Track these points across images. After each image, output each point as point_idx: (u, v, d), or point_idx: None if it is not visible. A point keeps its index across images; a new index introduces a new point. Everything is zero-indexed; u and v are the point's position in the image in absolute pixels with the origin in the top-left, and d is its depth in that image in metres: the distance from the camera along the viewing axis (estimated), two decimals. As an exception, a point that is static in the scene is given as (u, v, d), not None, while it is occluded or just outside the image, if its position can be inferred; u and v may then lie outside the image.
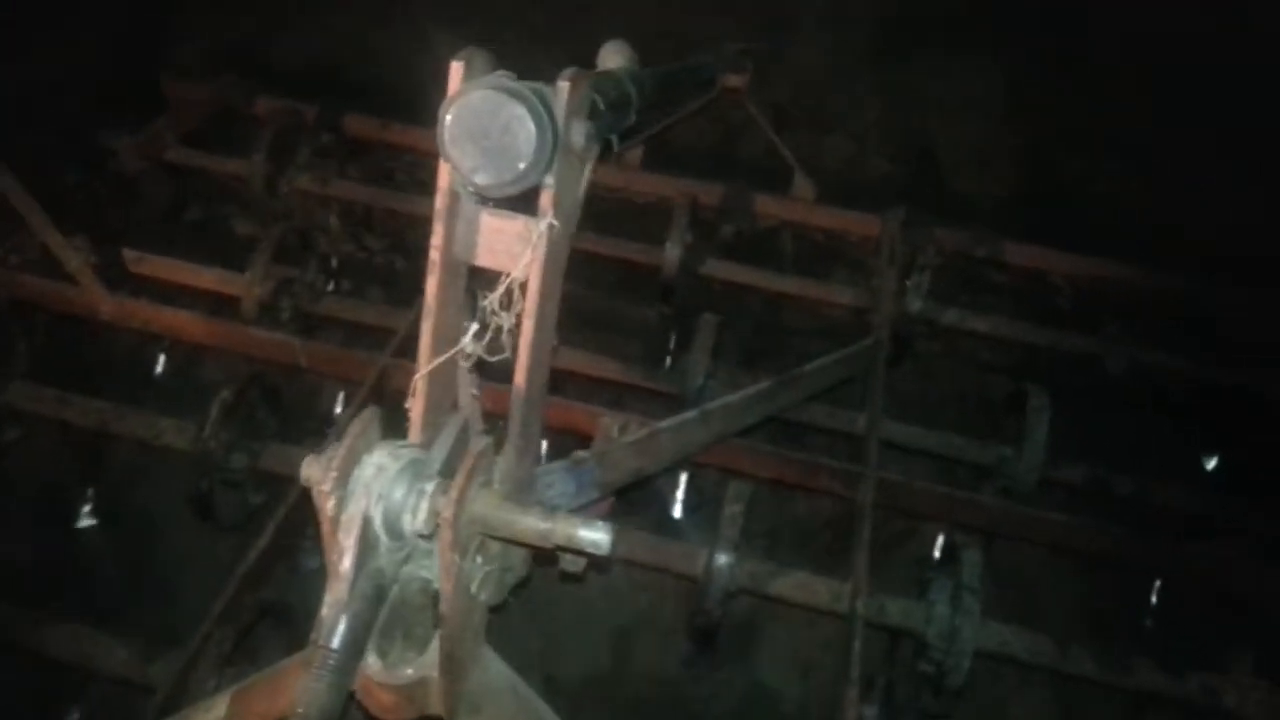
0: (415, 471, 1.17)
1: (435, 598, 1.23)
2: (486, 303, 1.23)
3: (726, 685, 2.37)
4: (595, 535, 1.13)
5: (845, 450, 2.58)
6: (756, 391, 2.17)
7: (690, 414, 1.95)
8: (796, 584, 2.29)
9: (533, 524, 1.15)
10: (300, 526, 2.16)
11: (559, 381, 2.54)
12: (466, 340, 1.24)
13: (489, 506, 1.15)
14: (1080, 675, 2.21)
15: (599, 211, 3.05)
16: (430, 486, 1.16)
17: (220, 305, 2.79)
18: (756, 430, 2.50)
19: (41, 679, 2.05)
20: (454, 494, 1.12)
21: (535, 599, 2.32)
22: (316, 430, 2.51)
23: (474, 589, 1.20)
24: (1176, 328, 2.98)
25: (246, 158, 3.08)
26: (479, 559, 1.19)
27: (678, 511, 2.73)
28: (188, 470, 2.30)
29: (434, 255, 1.23)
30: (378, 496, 1.12)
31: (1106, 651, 2.20)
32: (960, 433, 2.66)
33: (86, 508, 2.43)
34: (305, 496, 2.11)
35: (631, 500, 2.51)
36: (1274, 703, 2.14)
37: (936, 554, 2.52)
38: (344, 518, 1.11)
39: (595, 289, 3.08)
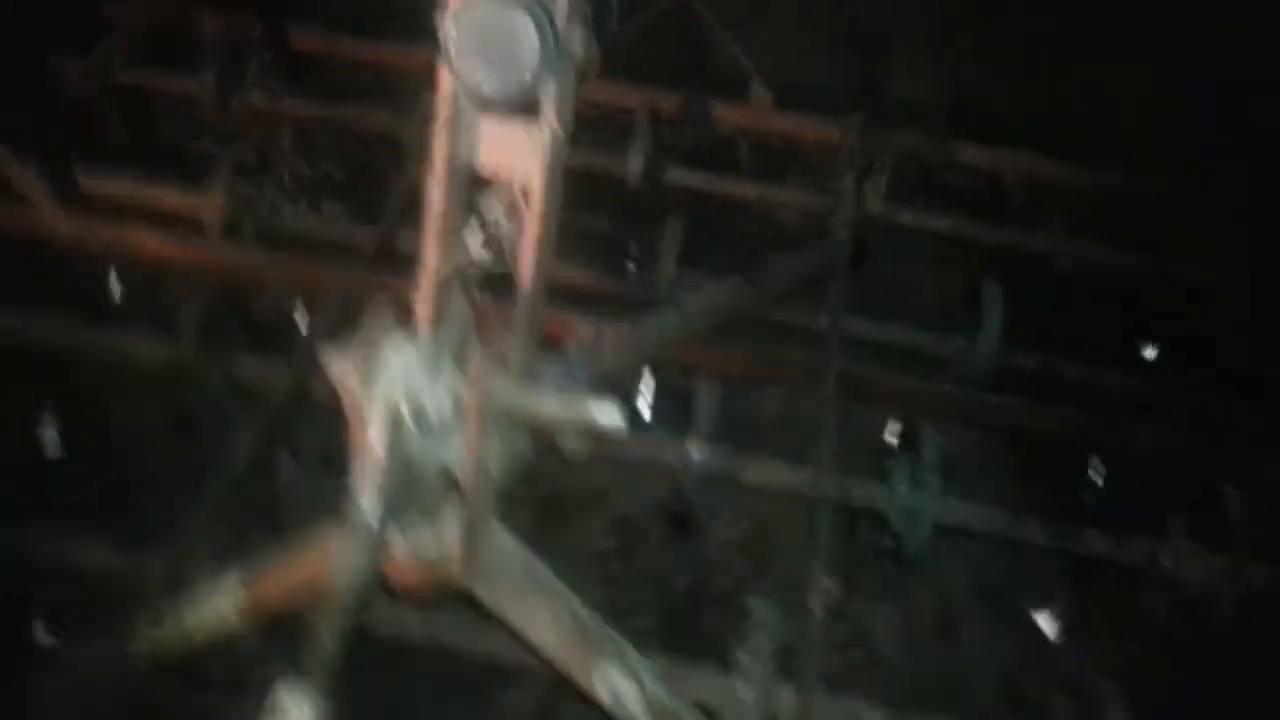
0: (434, 361, 1.29)
1: (452, 479, 1.37)
2: (488, 209, 1.35)
3: (693, 560, 2.55)
4: (608, 413, 1.27)
5: (810, 348, 2.73)
6: (726, 289, 2.32)
7: (665, 311, 2.09)
8: (765, 470, 2.49)
9: (549, 405, 1.28)
10: (280, 438, 2.27)
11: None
12: (472, 244, 1.36)
13: (507, 390, 1.28)
14: (1031, 543, 2.45)
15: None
16: (449, 373, 1.29)
17: (179, 226, 2.84)
18: (724, 329, 2.66)
19: (22, 581, 2.15)
20: (475, 378, 1.24)
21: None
22: (286, 347, 2.59)
23: (490, 468, 1.34)
24: (1122, 224, 3.18)
25: (195, 76, 3.10)
26: (496, 440, 1.33)
27: (647, 414, 2.87)
28: (160, 387, 2.41)
29: (437, 162, 1.33)
30: (403, 384, 1.25)
31: (1055, 522, 2.44)
32: (919, 327, 2.85)
33: (56, 431, 2.51)
34: (283, 408, 2.25)
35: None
36: (1206, 563, 2.39)
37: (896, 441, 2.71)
38: (373, 405, 1.24)
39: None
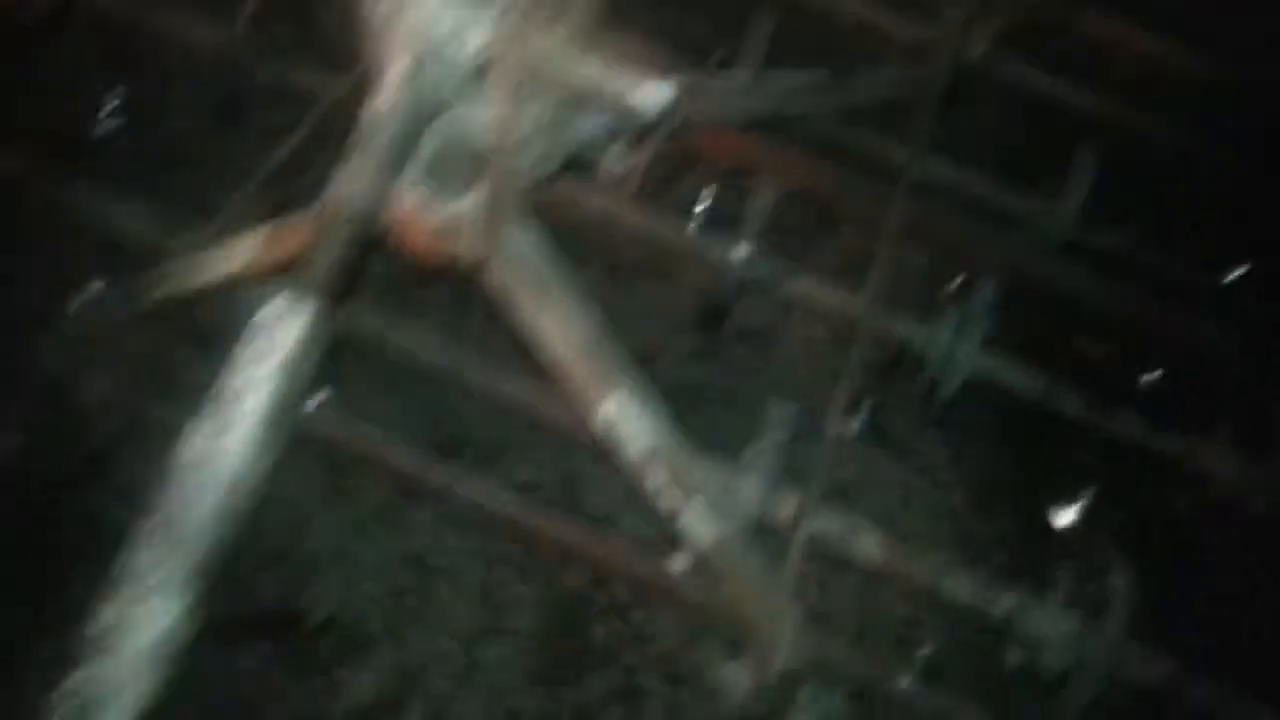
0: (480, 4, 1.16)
1: (477, 151, 1.25)
2: None
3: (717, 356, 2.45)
4: (657, 91, 1.13)
5: (883, 179, 2.57)
6: (803, 78, 2.15)
7: (738, 76, 1.94)
8: (810, 287, 2.37)
9: (591, 72, 1.15)
10: (325, 142, 2.16)
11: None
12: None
13: (550, 44, 1.15)
14: (1066, 415, 2.32)
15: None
16: (493, 13, 1.16)
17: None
18: (795, 137, 2.50)
19: (63, 248, 2.12)
20: (514, 20, 1.11)
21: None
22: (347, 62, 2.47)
23: (520, 138, 1.21)
24: (1236, 121, 2.94)
25: None
26: (529, 105, 1.20)
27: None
28: (216, 75, 2.31)
29: None
30: (436, 10, 1.12)
31: (1096, 398, 2.31)
32: (999, 180, 2.67)
33: (113, 105, 2.43)
34: (332, 112, 2.14)
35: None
36: (1246, 469, 2.26)
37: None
38: (400, 25, 1.11)
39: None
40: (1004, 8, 2.90)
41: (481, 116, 1.22)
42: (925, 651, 2.14)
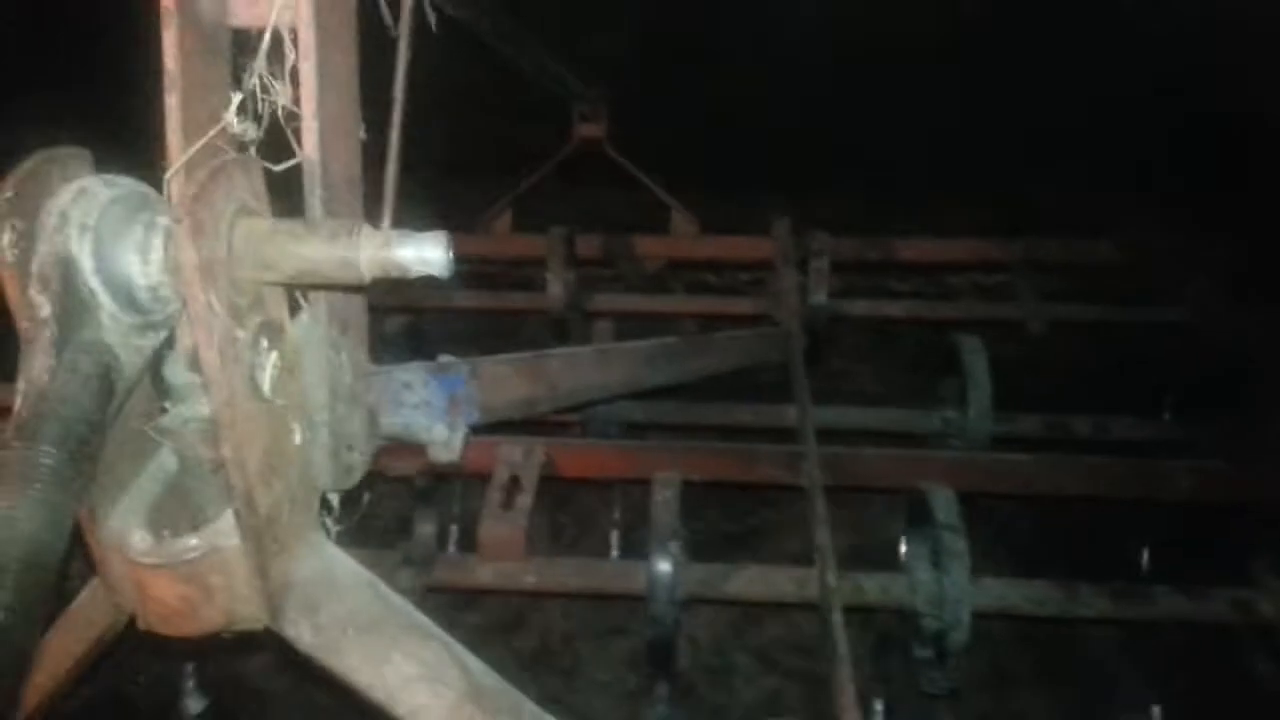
0: (141, 205, 0.78)
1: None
2: (250, 71, 0.91)
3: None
4: (430, 249, 0.75)
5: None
6: (660, 343, 1.82)
7: (585, 349, 1.60)
8: (754, 578, 1.88)
9: (330, 248, 0.75)
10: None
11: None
12: (230, 116, 0.89)
13: (257, 232, 0.76)
14: (1097, 618, 1.83)
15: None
16: (165, 220, 0.77)
17: None
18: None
19: None
20: (189, 203, 0.72)
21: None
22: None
23: (262, 382, 0.78)
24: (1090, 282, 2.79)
25: None
26: (263, 342, 0.78)
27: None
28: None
29: (168, 6, 0.89)
30: (82, 228, 0.73)
31: (1119, 587, 1.84)
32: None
33: None
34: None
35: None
36: (1315, 602, 1.78)
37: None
38: (34, 262, 0.72)
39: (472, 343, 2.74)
40: (824, 254, 2.73)
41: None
42: None
